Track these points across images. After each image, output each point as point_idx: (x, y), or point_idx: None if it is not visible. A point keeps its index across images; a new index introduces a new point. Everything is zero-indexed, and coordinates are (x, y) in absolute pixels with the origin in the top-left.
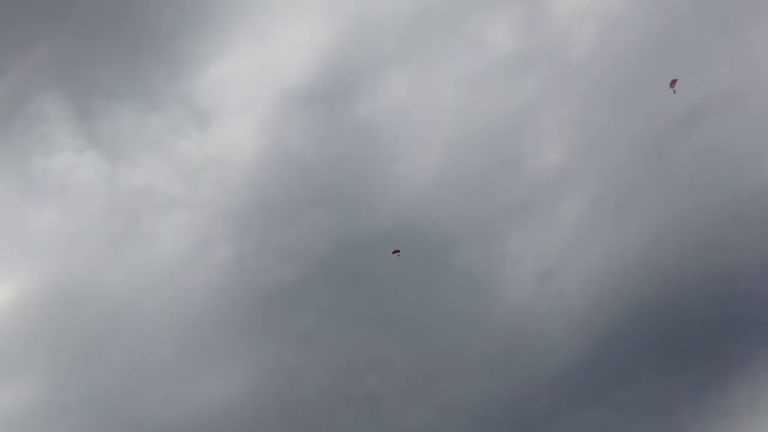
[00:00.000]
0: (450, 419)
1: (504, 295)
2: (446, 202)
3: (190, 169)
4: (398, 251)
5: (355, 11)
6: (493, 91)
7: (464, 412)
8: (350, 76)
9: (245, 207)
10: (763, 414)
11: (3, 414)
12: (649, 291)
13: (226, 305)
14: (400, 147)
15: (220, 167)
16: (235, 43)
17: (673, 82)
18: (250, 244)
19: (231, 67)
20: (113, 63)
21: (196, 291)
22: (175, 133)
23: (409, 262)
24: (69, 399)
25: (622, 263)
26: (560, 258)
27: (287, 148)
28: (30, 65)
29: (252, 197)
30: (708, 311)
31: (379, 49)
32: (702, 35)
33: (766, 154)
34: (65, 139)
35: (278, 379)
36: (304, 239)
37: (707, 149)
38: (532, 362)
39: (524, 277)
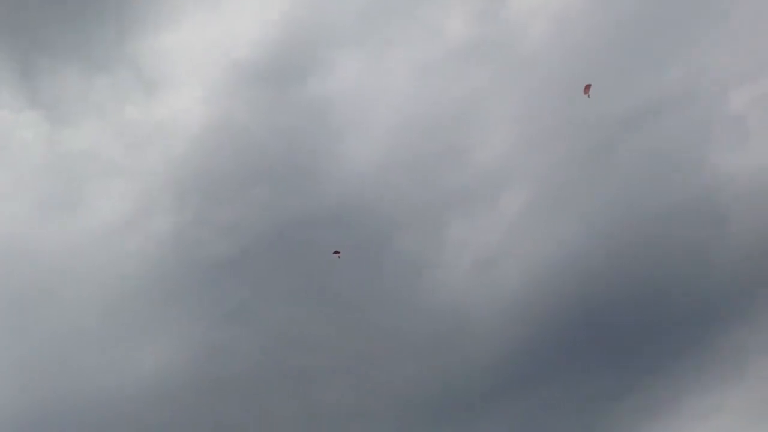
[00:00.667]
0: (378, 401)
1: (442, 282)
2: (391, 185)
3: (134, 135)
4: (338, 252)
5: None
6: (445, 79)
7: (393, 394)
8: (303, 54)
9: (187, 178)
10: (684, 413)
11: None
12: (583, 287)
13: (160, 276)
14: (348, 128)
15: (165, 136)
16: (188, 11)
17: (587, 88)
18: (189, 215)
19: (182, 36)
20: (60, 21)
21: (131, 259)
22: (120, 98)
23: (349, 243)
24: None
25: (558, 258)
26: (499, 249)
27: (234, 122)
28: None
29: (194, 169)
30: (637, 311)
31: (335, 28)
32: (651, 37)
33: (705, 158)
34: (6, 97)
35: (209, 352)
36: (244, 214)
37: (648, 150)
38: (464, 350)
39: (463, 265)
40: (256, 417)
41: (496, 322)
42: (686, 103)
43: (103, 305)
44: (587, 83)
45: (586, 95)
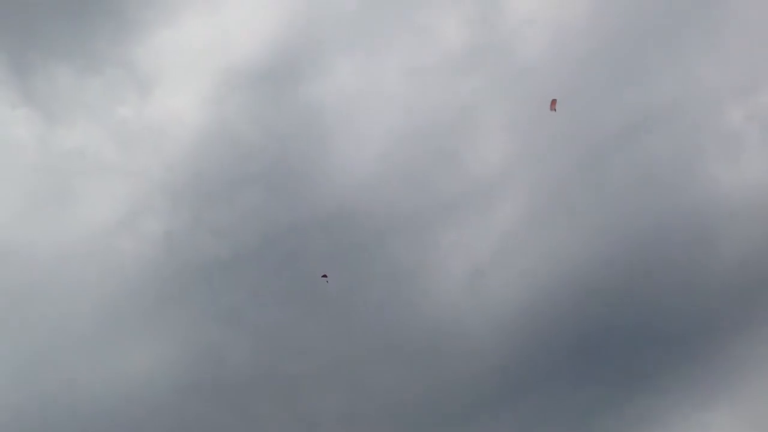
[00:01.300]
0: (368, 407)
1: (432, 290)
2: (383, 191)
3: (127, 136)
4: (326, 276)
5: None
6: (439, 86)
7: (381, 401)
8: (298, 58)
9: (180, 180)
10: (674, 426)
11: None
12: (574, 299)
13: (152, 278)
14: (341, 133)
15: (158, 137)
16: (184, 12)
17: (553, 103)
18: (182, 218)
19: (177, 37)
20: (55, 18)
21: (123, 261)
22: (114, 98)
23: (340, 249)
24: None
25: (550, 269)
26: (491, 258)
27: (228, 125)
28: None
29: (188, 171)
30: (628, 324)
31: (330, 33)
32: (647, 49)
33: (699, 173)
34: None
35: (200, 356)
36: (237, 218)
37: (642, 163)
38: (455, 358)
39: (454, 273)
40: (246, 420)
41: (488, 331)
42: (681, 116)
43: (94, 305)
44: (553, 98)
45: (552, 110)
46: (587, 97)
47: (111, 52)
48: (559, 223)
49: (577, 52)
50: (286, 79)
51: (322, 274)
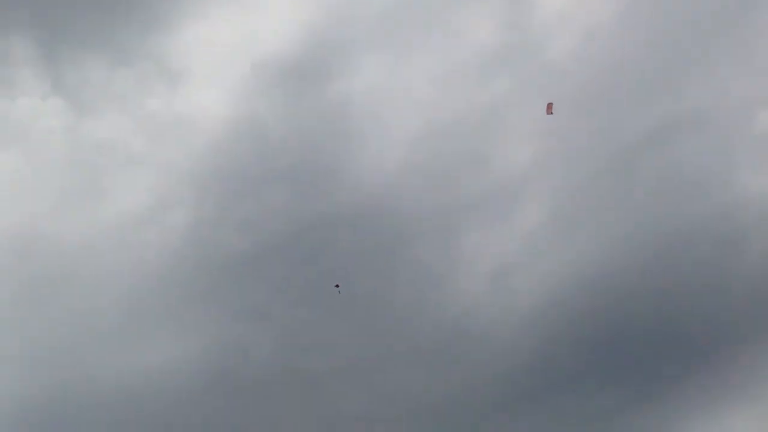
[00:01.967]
0: (388, 406)
1: (456, 290)
2: (409, 191)
3: (156, 128)
4: (338, 285)
5: None
6: (468, 86)
7: (402, 400)
8: (327, 56)
9: (208, 173)
10: (695, 430)
11: None
12: (598, 301)
13: (178, 270)
14: (368, 132)
15: (186, 130)
16: (215, 7)
17: (549, 106)
18: (208, 211)
19: (207, 30)
20: (86, 11)
21: (148, 252)
22: (143, 90)
23: (365, 247)
24: (8, 348)
25: (575, 271)
26: (516, 259)
27: (256, 120)
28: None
29: (215, 164)
30: (650, 328)
31: (359, 31)
32: (678, 53)
33: (728, 178)
34: (30, 84)
35: (223, 351)
36: (263, 213)
37: (670, 167)
38: (477, 359)
39: (478, 273)
40: (266, 417)
41: (509, 333)
42: (710, 122)
43: (119, 296)
44: (549, 102)
45: (549, 113)
46: (616, 100)
47: (141, 45)
48: (583, 225)
49: (607, 54)
50: (315, 76)
51: (336, 284)
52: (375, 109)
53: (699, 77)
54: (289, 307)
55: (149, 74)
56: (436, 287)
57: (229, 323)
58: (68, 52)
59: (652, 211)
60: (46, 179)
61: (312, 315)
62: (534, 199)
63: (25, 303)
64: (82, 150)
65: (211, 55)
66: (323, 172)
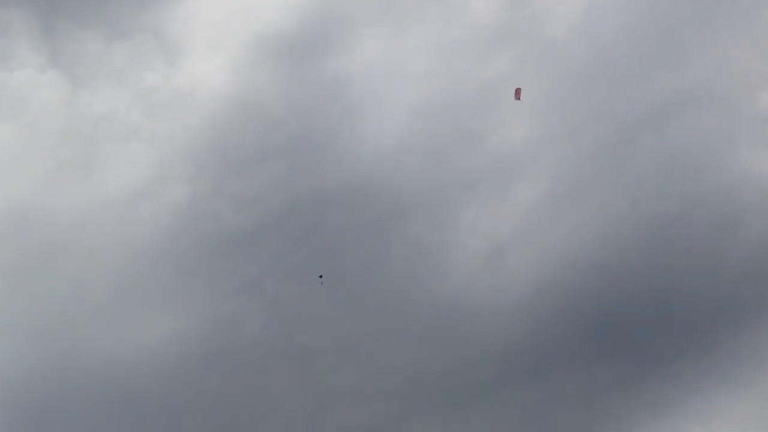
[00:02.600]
0: (381, 383)
1: (450, 267)
2: (405, 167)
3: (152, 102)
4: (321, 276)
5: None
6: (466, 62)
7: (395, 377)
8: (325, 30)
9: (204, 148)
10: (688, 414)
11: None
12: (593, 280)
13: (173, 245)
14: (365, 107)
15: (183, 104)
16: None
17: (518, 92)
18: (204, 187)
19: (205, 4)
20: None
21: (143, 227)
22: (140, 64)
23: (360, 223)
24: (1, 321)
25: (570, 250)
26: (511, 237)
27: (253, 94)
28: None
29: (212, 139)
30: (646, 308)
31: (359, 6)
32: (680, 31)
33: (727, 158)
34: (27, 56)
35: (216, 326)
36: (259, 189)
37: (668, 147)
38: (471, 336)
39: (473, 251)
40: (259, 392)
41: (503, 311)
42: (711, 100)
43: (114, 270)
44: (517, 87)
45: (517, 99)
46: (616, 78)
47: (139, 19)
48: (580, 204)
49: (607, 31)
50: (313, 51)
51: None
52: (373, 85)
53: (700, 54)
54: (283, 283)
55: (147, 48)
56: (431, 264)
57: (223, 298)
58: (66, 25)
59: (650, 190)
60: (42, 152)
61: (306, 291)
62: (531, 178)
63: (20, 275)
64: (78, 123)
65: (210, 30)
66: (320, 147)
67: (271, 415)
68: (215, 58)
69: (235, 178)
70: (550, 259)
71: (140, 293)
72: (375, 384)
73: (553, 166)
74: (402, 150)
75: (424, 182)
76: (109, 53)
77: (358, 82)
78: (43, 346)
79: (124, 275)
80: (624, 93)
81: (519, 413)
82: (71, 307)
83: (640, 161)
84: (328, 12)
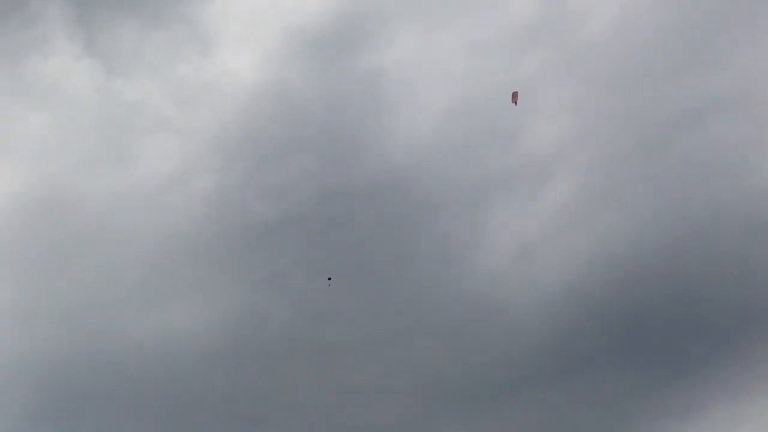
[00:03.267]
0: (403, 381)
1: (478, 266)
2: (436, 164)
3: (185, 92)
4: (330, 279)
5: None
6: (501, 60)
7: (419, 375)
8: (360, 25)
9: (235, 140)
10: (713, 420)
11: None
12: (621, 283)
13: (201, 235)
14: (398, 103)
15: (216, 96)
16: None
17: (515, 95)
18: (234, 178)
19: None
20: None
21: (173, 216)
22: (174, 55)
23: (388, 219)
24: (33, 305)
25: (599, 252)
26: (540, 238)
27: (286, 87)
28: None
29: (243, 131)
30: (676, 311)
31: (393, 1)
32: (718, 33)
33: (758, 163)
34: (63, 43)
35: (241, 316)
36: (289, 181)
37: (702, 150)
38: (495, 337)
39: (502, 251)
40: (280, 384)
41: (530, 312)
42: (747, 104)
43: (141, 258)
44: (515, 90)
45: (514, 103)
46: (651, 79)
47: (174, 10)
48: (611, 206)
49: (644, 31)
50: (347, 46)
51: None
52: (406, 80)
53: (737, 58)
54: (309, 277)
55: (181, 39)
56: (458, 262)
57: (249, 290)
58: (102, 14)
59: (682, 194)
60: (75, 139)
61: (332, 285)
62: (562, 178)
63: (51, 261)
64: (111, 112)
65: (244, 22)
66: (350, 142)
67: (293, 407)
68: (248, 51)
69: (265, 170)
70: (578, 260)
71: (168, 282)
72: (398, 381)
73: (585, 167)
74: (433, 147)
75: (455, 180)
76: (143, 43)
77: (391, 78)
78: (72, 331)
79: (153, 263)
80: (659, 95)
81: (541, 415)
82: (100, 293)
83: (673, 164)
84: (363, 7)
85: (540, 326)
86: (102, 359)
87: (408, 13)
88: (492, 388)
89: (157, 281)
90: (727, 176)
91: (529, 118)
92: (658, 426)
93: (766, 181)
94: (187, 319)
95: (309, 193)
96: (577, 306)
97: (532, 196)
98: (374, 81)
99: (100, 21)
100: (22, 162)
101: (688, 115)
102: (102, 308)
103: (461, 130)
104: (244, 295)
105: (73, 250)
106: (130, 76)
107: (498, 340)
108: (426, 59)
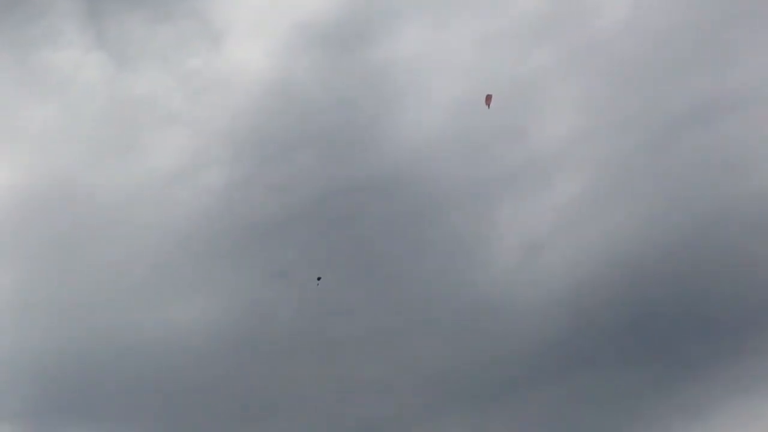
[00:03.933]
0: (410, 377)
1: (486, 262)
2: (443, 159)
3: (194, 86)
4: (320, 278)
5: None
6: (510, 54)
7: (425, 372)
8: (368, 20)
9: (243, 133)
10: (723, 418)
11: None
12: (630, 280)
13: (208, 230)
14: (406, 98)
15: (225, 89)
16: None
17: (488, 98)
18: (241, 172)
19: None
20: None
21: (180, 209)
22: (184, 48)
23: (396, 215)
24: (38, 297)
25: (607, 249)
26: (549, 234)
27: (294, 81)
28: None
29: (252, 125)
30: (683, 309)
31: None
32: (729, 31)
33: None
34: (72, 36)
35: (247, 312)
36: (296, 176)
37: (713, 147)
38: (503, 333)
39: (510, 247)
40: (285, 378)
41: (537, 308)
42: (757, 102)
43: (148, 251)
44: (488, 94)
45: (487, 106)
46: (662, 75)
47: (184, 3)
48: (619, 203)
49: (656, 27)
50: (355, 40)
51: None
52: (414, 75)
53: (747, 56)
54: (316, 272)
55: (191, 32)
56: (465, 258)
57: (255, 284)
58: (112, 7)
59: (691, 191)
60: (84, 131)
61: (338, 280)
62: (571, 174)
63: (59, 252)
64: (120, 104)
65: (253, 15)
66: (359, 136)
67: (297, 401)
68: (258, 44)
69: (273, 164)
70: (586, 257)
71: (174, 275)
72: (403, 377)
73: (594, 163)
74: (441, 142)
75: (463, 175)
76: (153, 36)
77: (399, 73)
78: (77, 323)
79: (159, 256)
80: (668, 92)
81: (548, 412)
82: (106, 286)
83: (683, 161)
84: (372, 1)
85: (547, 322)
86: (106, 352)
87: (416, 7)
88: (497, 385)
89: (163, 275)
90: (736, 175)
91: (538, 114)
92: (665, 425)
93: None
94: (193, 314)
95: (316, 187)
96: (584, 302)
97: (541, 191)
98: (383, 75)
99: (110, 14)
100: (29, 153)
101: (697, 112)
102: (107, 301)
103: (470, 125)
104: (250, 290)
105: (79, 243)
106: (139, 69)
107: (504, 337)
108: (435, 54)
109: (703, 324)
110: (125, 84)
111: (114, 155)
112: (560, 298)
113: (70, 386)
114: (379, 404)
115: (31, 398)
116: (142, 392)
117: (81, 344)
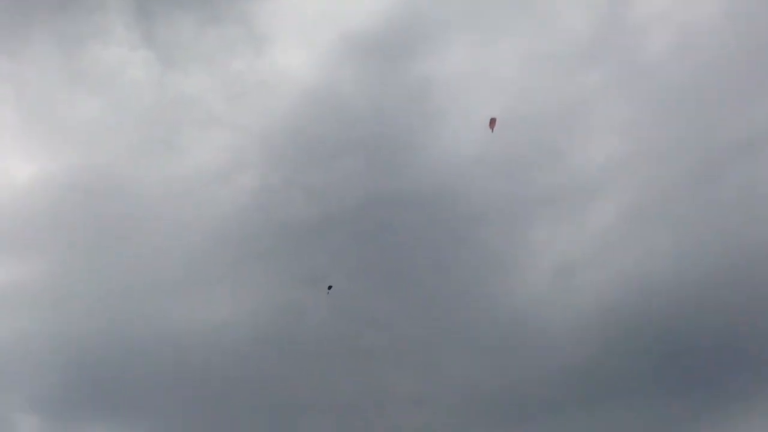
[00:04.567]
0: (439, 392)
1: (519, 282)
2: (482, 176)
3: (237, 89)
4: (331, 287)
5: None
6: (555, 76)
7: (454, 387)
8: (414, 32)
9: (283, 138)
10: None
11: (11, 282)
12: (664, 308)
13: (243, 231)
14: (447, 113)
15: (267, 94)
16: None
17: (492, 122)
18: (279, 176)
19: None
20: None
21: (217, 210)
22: (229, 51)
23: (431, 228)
24: (75, 287)
25: (642, 276)
26: (583, 258)
27: (336, 90)
28: None
29: (292, 130)
30: (716, 341)
31: (449, 11)
32: None
33: None
34: (121, 34)
35: (279, 314)
36: (333, 183)
37: (758, 178)
38: (533, 355)
39: (543, 268)
40: (316, 383)
41: (570, 331)
42: None
43: (184, 249)
44: (493, 117)
45: (491, 129)
46: (709, 103)
47: (232, 7)
48: (657, 230)
49: (704, 54)
50: (400, 53)
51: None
52: (457, 91)
53: None
54: (349, 279)
55: (237, 35)
56: (499, 277)
57: (287, 287)
58: (161, 7)
59: (733, 222)
60: (127, 128)
61: (370, 289)
62: (609, 199)
63: (97, 244)
64: (164, 103)
65: (299, 23)
66: (397, 148)
67: (323, 405)
68: (302, 52)
69: (311, 169)
70: (620, 282)
71: (208, 274)
72: (431, 390)
73: (634, 189)
74: (481, 159)
75: (500, 193)
76: (200, 38)
77: (443, 87)
78: (110, 315)
79: (194, 255)
80: (713, 121)
81: None
82: (140, 280)
83: (725, 191)
84: (418, 15)
85: (578, 347)
86: (137, 345)
87: (463, 23)
88: (525, 405)
89: (197, 271)
90: None
91: (580, 136)
92: None
93: None
94: (224, 311)
95: (352, 195)
96: (616, 329)
97: (578, 214)
98: (425, 89)
99: (158, 14)
100: (73, 146)
101: (742, 143)
102: (140, 294)
103: (510, 143)
104: (282, 292)
105: (117, 236)
106: (184, 69)
107: (534, 358)
108: (480, 71)
109: (735, 356)
110: (170, 83)
111: (155, 152)
112: (591, 324)
113: (98, 379)
114: (406, 414)
115: (61, 385)
116: (170, 384)
117: (113, 334)
